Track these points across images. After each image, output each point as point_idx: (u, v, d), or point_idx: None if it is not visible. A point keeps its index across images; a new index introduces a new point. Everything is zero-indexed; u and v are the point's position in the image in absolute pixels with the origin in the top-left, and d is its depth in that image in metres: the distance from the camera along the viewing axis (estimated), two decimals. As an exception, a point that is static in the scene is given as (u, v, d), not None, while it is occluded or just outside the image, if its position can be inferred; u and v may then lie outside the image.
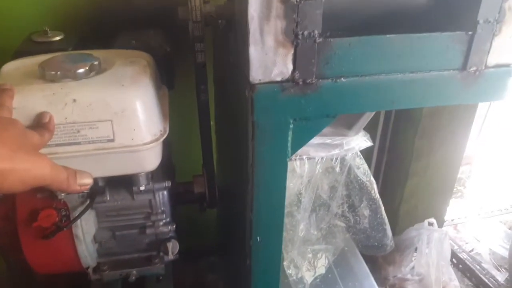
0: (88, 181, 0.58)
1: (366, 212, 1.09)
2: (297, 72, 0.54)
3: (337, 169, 0.95)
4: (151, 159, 0.65)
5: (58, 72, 0.63)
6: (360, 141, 0.91)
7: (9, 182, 0.48)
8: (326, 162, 0.94)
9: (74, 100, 0.59)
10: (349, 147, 0.89)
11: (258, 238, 0.65)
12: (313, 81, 0.55)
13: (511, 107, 1.90)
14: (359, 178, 0.99)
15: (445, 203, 1.54)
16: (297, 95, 0.55)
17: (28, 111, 0.59)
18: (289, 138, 0.58)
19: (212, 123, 0.83)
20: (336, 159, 0.93)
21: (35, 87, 0.62)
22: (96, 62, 0.66)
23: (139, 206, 0.75)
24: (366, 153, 1.03)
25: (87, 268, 0.76)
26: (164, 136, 0.65)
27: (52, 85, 0.62)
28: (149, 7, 1.01)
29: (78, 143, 0.61)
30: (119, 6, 1.00)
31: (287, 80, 0.54)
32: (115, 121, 0.61)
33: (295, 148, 0.59)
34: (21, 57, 0.75)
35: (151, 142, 0.63)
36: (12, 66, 0.71)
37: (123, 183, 0.73)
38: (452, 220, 1.83)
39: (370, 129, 0.99)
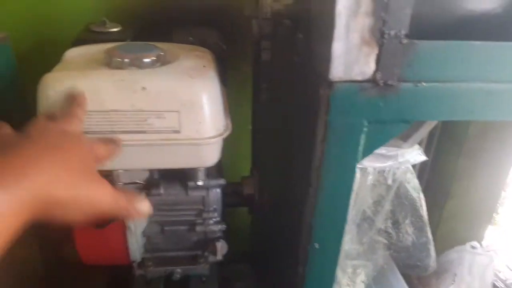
0: (146, 209, 0.53)
1: (410, 230, 1.05)
2: (379, 72, 0.52)
3: (388, 181, 0.92)
4: (212, 154, 0.64)
5: (125, 60, 0.63)
6: (414, 154, 0.88)
7: (71, 213, 0.44)
8: (376, 173, 0.91)
9: (143, 88, 0.59)
10: (403, 160, 0.87)
11: (316, 244, 0.63)
12: (395, 83, 0.53)
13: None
14: (408, 194, 0.96)
15: (483, 228, 1.49)
16: (376, 96, 0.53)
17: (96, 96, 0.59)
18: (362, 142, 0.56)
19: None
20: (388, 171, 0.90)
21: (103, 72, 0.62)
22: (162, 53, 0.66)
23: (191, 202, 0.73)
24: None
25: (133, 262, 0.75)
26: (228, 132, 0.64)
27: (121, 71, 0.61)
28: (202, 4, 1.01)
29: (144, 132, 0.60)
30: (173, 2, 1.00)
31: (367, 80, 0.52)
32: (182, 112, 0.60)
33: (366, 153, 0.57)
34: (79, 45, 0.76)
35: (214, 136, 0.62)
36: (75, 52, 0.72)
37: (177, 177, 0.72)
38: (486, 246, 1.77)
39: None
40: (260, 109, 0.78)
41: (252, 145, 0.81)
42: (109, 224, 0.66)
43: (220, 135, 0.63)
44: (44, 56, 0.99)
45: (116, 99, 0.58)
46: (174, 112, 0.60)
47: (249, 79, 0.94)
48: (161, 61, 0.65)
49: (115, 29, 0.84)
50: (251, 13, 0.68)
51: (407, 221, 1.05)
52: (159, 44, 0.70)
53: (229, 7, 0.98)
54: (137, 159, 0.61)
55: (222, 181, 0.73)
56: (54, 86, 0.59)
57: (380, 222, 1.03)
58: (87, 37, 0.81)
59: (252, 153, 0.82)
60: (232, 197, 0.83)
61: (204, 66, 0.65)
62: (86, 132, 0.59)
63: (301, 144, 0.65)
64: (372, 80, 0.52)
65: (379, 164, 0.85)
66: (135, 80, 0.59)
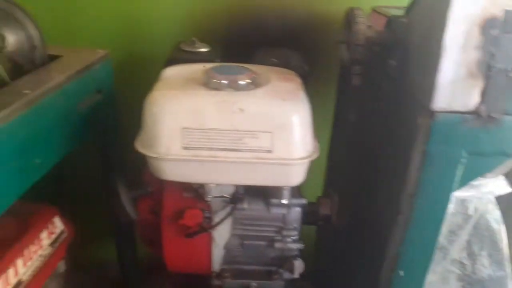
0: None
1: (487, 262, 1.00)
2: (483, 104, 0.51)
3: (469, 211, 0.88)
4: (300, 175, 0.66)
5: (223, 81, 0.67)
6: (499, 185, 0.84)
7: None
8: (457, 202, 0.88)
9: (241, 109, 0.62)
10: (486, 190, 0.83)
11: (401, 272, 0.63)
12: (498, 116, 0.52)
13: None
14: (489, 225, 0.92)
15: None
16: (478, 128, 0.53)
17: (198, 115, 0.63)
18: (459, 172, 0.55)
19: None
20: (470, 200, 0.87)
21: (204, 92, 0.66)
22: (255, 76, 0.70)
23: (272, 219, 0.75)
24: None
25: (212, 272, 0.78)
26: (316, 155, 0.65)
27: (219, 92, 0.65)
28: (284, 26, 1.04)
29: (239, 150, 0.63)
30: (255, 24, 1.04)
31: (470, 112, 0.52)
32: (275, 133, 0.62)
33: (462, 183, 0.56)
34: (173, 64, 0.81)
35: (304, 158, 0.64)
36: (171, 72, 0.77)
37: (260, 193, 0.75)
38: None
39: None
40: (339, 131, 0.79)
41: (328, 165, 0.82)
42: (199, 234, 0.70)
43: (309, 156, 0.64)
44: (136, 70, 1.07)
45: (216, 118, 0.62)
46: (267, 133, 0.62)
47: (328, 102, 0.96)
48: (255, 83, 0.68)
49: (204, 49, 0.89)
50: (342, 39, 0.70)
51: (484, 253, 1.00)
52: (250, 66, 0.74)
53: (310, 29, 1.00)
54: (230, 174, 0.65)
55: (303, 201, 0.75)
56: (159, 104, 0.63)
57: (455, 252, 0.99)
58: (179, 56, 0.87)
59: (327, 173, 0.83)
60: (308, 216, 0.84)
61: (295, 89, 0.68)
62: (186, 148, 0.63)
63: (391, 170, 0.65)
64: (475, 112, 0.52)
65: (461, 193, 0.82)
66: (234, 101, 0.63)
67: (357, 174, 0.82)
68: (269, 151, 0.63)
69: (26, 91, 0.62)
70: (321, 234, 0.90)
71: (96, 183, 0.95)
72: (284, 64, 0.86)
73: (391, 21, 0.70)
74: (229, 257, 0.79)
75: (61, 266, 0.83)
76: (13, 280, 0.68)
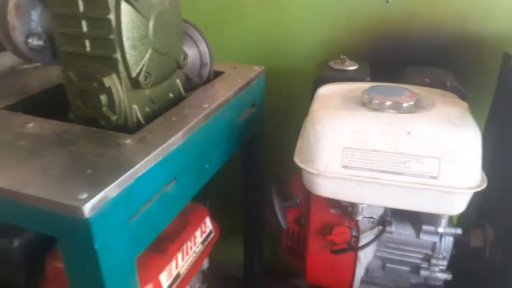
0: None
1: None
2: None
3: None
4: (462, 204, 0.63)
5: (386, 103, 0.67)
6: None
7: None
8: None
9: (408, 133, 0.62)
10: None
11: None
12: None
13: None
14: None
15: None
16: None
17: (360, 135, 0.63)
18: None
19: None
20: None
21: (367, 113, 0.66)
22: (418, 98, 0.68)
23: (421, 246, 0.73)
24: None
25: (351, 290, 0.78)
26: (484, 185, 0.62)
27: (383, 114, 0.65)
28: (436, 43, 0.99)
29: (401, 174, 0.62)
30: (406, 42, 1.01)
31: None
32: (443, 159, 0.60)
33: None
34: (323, 81, 0.83)
35: (471, 188, 0.61)
36: (326, 90, 0.79)
37: (410, 218, 0.73)
38: None
39: None
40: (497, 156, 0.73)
41: (482, 193, 0.77)
42: (346, 252, 0.71)
43: (477, 186, 0.61)
44: (278, 85, 1.12)
45: (380, 140, 0.62)
46: (435, 159, 0.61)
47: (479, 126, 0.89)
48: (418, 106, 0.67)
49: (352, 67, 0.90)
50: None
51: None
52: (409, 87, 0.73)
53: (462, 48, 0.95)
54: (389, 198, 0.64)
55: (457, 230, 0.71)
56: (322, 123, 0.66)
57: None
58: (329, 74, 0.88)
59: (480, 202, 0.77)
60: (457, 247, 0.79)
61: (463, 114, 0.65)
62: (346, 167, 0.64)
63: None
64: None
65: None
66: (400, 124, 0.62)
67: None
68: (435, 178, 0.61)
69: (205, 105, 0.69)
70: (466, 267, 0.84)
71: (231, 184, 1.00)
72: (439, 84, 0.83)
73: None
74: (367, 278, 0.79)
75: (205, 264, 0.91)
76: (174, 272, 0.76)
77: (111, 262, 0.50)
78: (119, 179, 0.49)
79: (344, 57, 0.91)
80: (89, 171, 0.51)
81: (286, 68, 1.11)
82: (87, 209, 0.45)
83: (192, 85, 0.84)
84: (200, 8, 1.13)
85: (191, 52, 0.80)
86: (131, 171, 0.51)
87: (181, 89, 0.76)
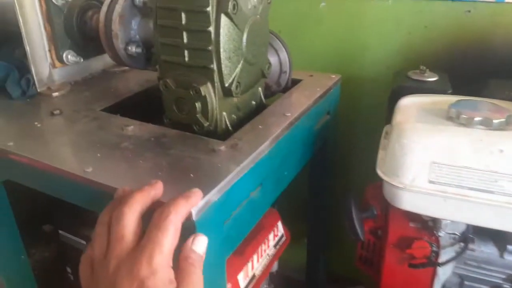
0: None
1: None
2: None
3: None
4: (557, 227, 0.61)
5: (476, 118, 0.65)
6: None
7: None
8: None
9: (501, 151, 0.60)
10: None
11: None
12: None
13: None
14: None
15: None
16: None
17: (450, 151, 0.63)
18: None
19: None
20: None
21: (456, 129, 0.65)
22: (510, 114, 0.66)
23: (504, 266, 0.71)
24: None
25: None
26: None
27: (474, 130, 0.64)
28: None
29: (491, 192, 0.61)
30: (489, 54, 0.98)
31: None
32: (538, 180, 0.58)
33: None
34: (401, 92, 0.82)
35: None
36: (407, 101, 0.78)
37: (492, 237, 0.71)
38: None
39: None
40: None
41: None
42: (425, 267, 0.70)
43: None
44: (349, 92, 1.12)
45: (470, 157, 0.61)
46: (529, 179, 0.59)
47: None
48: (510, 123, 0.65)
49: (432, 79, 0.88)
50: None
51: None
52: (498, 102, 0.71)
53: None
54: (477, 215, 0.63)
55: (546, 253, 0.68)
56: (409, 137, 0.65)
57: None
58: (408, 84, 0.87)
59: None
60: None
61: None
62: (432, 182, 0.64)
63: None
64: None
65: None
66: (493, 142, 0.61)
67: None
68: (528, 198, 0.59)
69: (288, 114, 0.71)
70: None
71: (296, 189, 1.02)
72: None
73: None
74: (442, 294, 0.77)
75: (275, 267, 0.93)
76: (250, 273, 0.79)
77: (207, 263, 0.53)
78: (220, 185, 0.52)
79: (424, 67, 0.90)
80: (192, 175, 0.54)
81: (360, 75, 1.11)
82: (194, 212, 0.48)
83: (270, 92, 0.86)
84: (274, 14, 1.15)
85: (271, 60, 0.82)
86: (229, 177, 0.54)
87: (262, 97, 0.79)
